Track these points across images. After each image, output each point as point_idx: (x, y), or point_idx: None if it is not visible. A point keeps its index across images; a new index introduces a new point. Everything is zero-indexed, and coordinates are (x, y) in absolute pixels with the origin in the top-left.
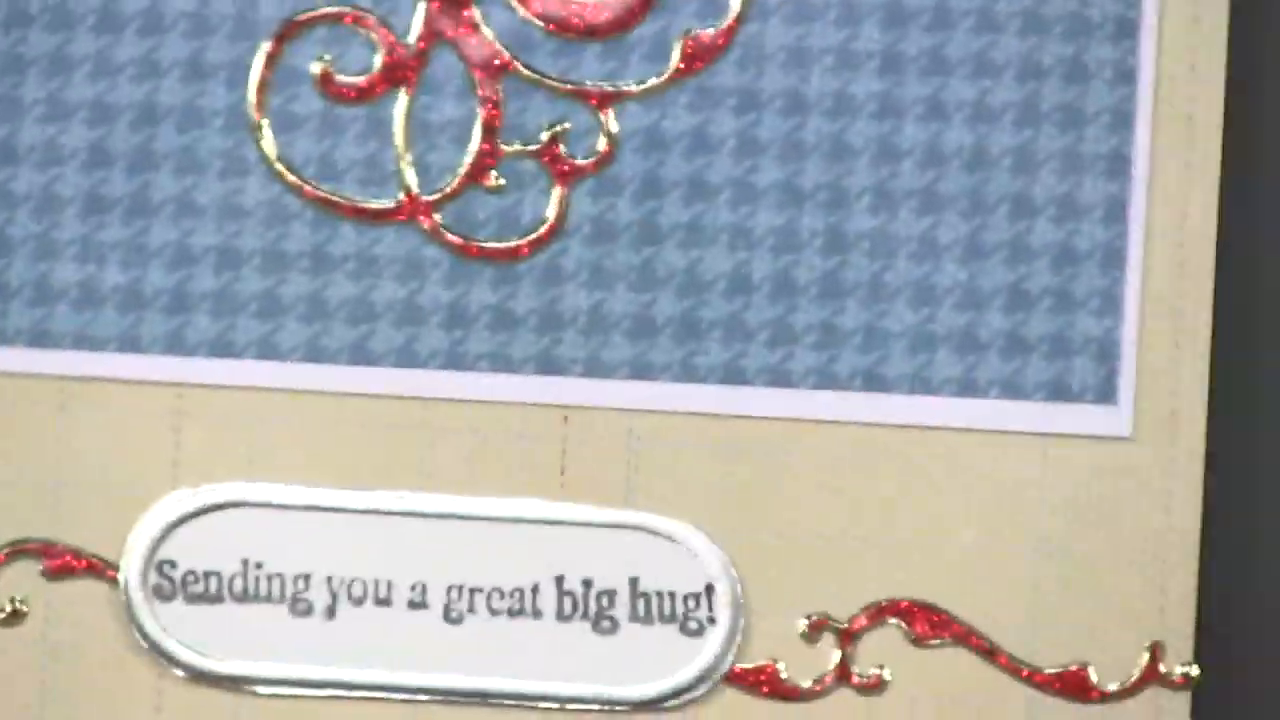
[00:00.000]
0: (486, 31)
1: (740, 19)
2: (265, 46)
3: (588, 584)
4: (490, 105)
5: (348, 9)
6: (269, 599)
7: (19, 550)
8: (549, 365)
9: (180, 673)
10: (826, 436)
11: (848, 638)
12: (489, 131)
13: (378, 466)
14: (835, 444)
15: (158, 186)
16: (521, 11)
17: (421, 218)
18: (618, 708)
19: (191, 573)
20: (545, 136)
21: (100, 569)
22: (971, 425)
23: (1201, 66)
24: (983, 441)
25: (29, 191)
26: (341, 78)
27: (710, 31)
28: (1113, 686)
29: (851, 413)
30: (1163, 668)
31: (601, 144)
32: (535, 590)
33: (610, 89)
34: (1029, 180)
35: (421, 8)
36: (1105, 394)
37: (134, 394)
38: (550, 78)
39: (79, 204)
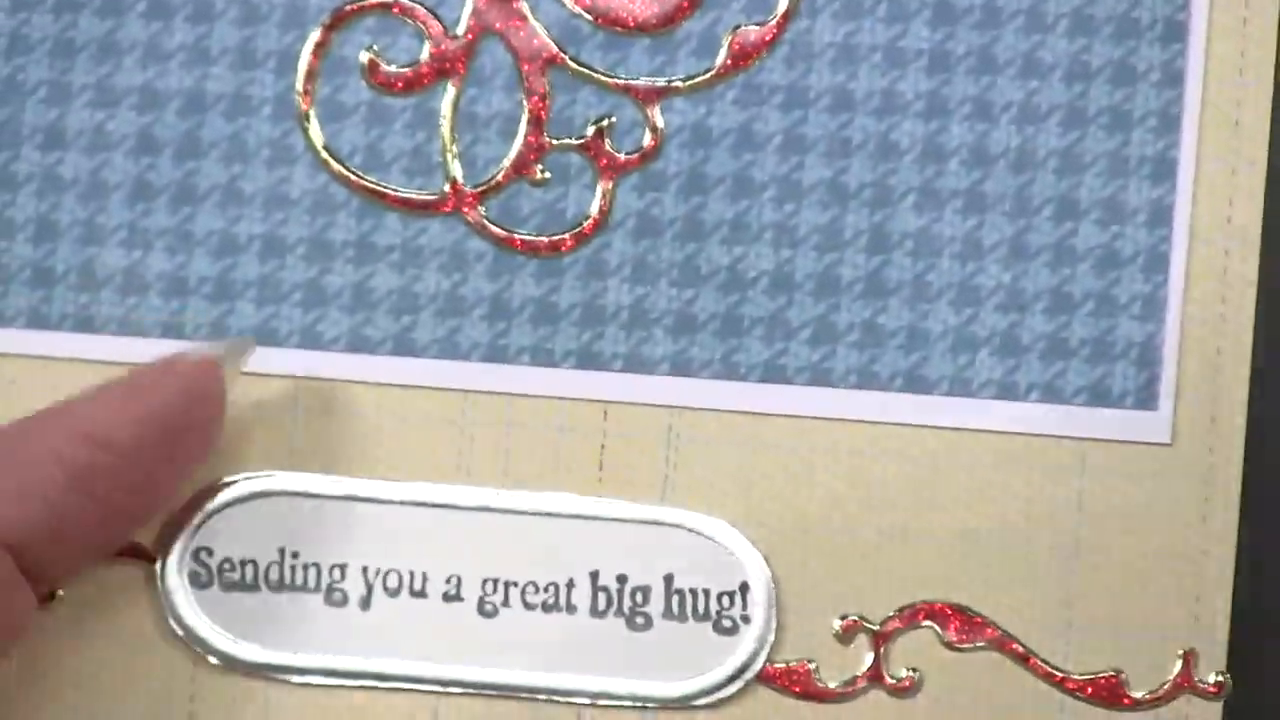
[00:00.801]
0: (535, 24)
1: (788, 16)
2: (314, 35)
3: (622, 580)
4: (537, 98)
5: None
6: (304, 588)
7: None
8: (590, 360)
9: (214, 660)
10: (866, 436)
11: (881, 639)
12: (535, 124)
13: (416, 458)
14: (874, 444)
15: (204, 174)
16: (571, 5)
17: (466, 210)
18: (649, 704)
19: (228, 560)
20: (591, 130)
21: (137, 554)
22: (1011, 428)
23: (1249, 70)
24: (1022, 444)
25: (76, 176)
26: (389, 68)
27: (758, 28)
28: (1145, 694)
29: (892, 413)
30: (1195, 675)
31: (647, 139)
32: (570, 585)
33: (658, 84)
34: (1074, 183)
35: None
36: (1145, 399)
37: None
38: (598, 72)
39: (126, 190)
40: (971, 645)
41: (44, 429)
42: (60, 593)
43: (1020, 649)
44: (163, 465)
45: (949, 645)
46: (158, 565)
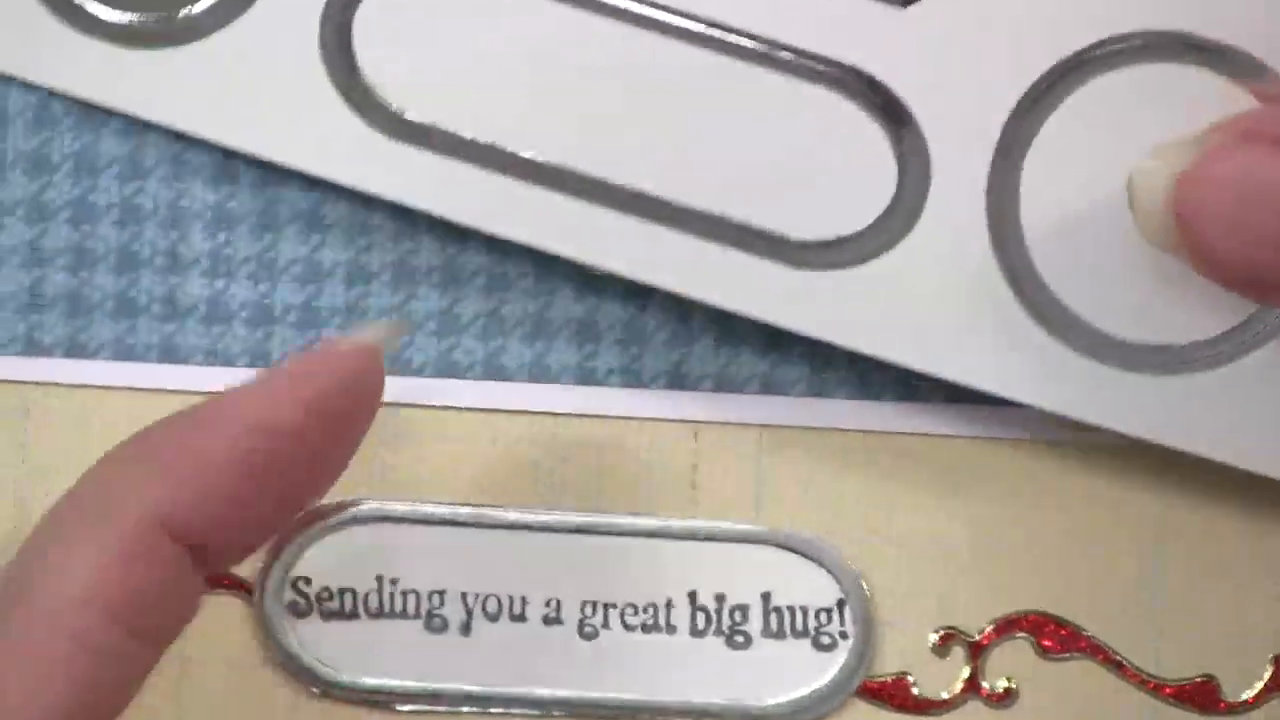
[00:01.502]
0: None
1: None
2: None
3: (720, 599)
4: None
5: None
6: (404, 615)
7: None
8: (678, 380)
9: (315, 689)
10: (954, 450)
11: (977, 650)
12: None
13: (509, 481)
14: (962, 457)
15: (286, 201)
16: None
17: None
18: None
19: (326, 589)
20: None
21: (235, 585)
22: (1097, 437)
23: None
24: (1106, 452)
25: (155, 207)
26: None
27: None
28: (1239, 698)
29: (980, 428)
30: None
31: None
32: (669, 605)
33: None
34: None
35: None
36: None
37: None
38: None
39: (208, 218)
40: (1066, 654)
41: (216, 419)
42: None
43: (1113, 657)
44: (328, 450)
45: (1044, 655)
46: (255, 595)
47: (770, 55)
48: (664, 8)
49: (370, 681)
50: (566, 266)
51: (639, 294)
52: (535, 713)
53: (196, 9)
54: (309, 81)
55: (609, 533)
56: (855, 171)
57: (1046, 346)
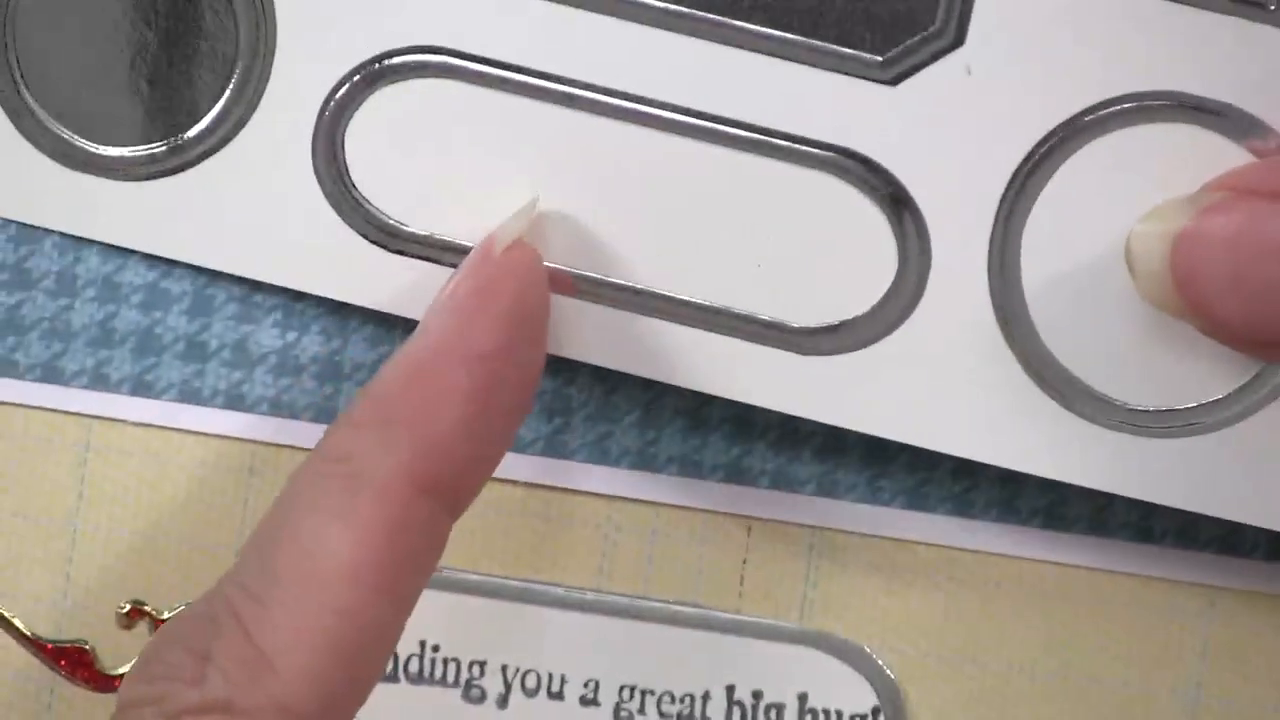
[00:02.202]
0: None
1: None
2: None
3: (758, 696)
4: None
5: None
6: (443, 683)
7: None
8: (737, 474)
9: None
10: (1006, 570)
11: None
12: None
13: (559, 559)
14: (1013, 578)
15: None
16: None
17: None
18: None
19: None
20: None
21: None
22: (1145, 571)
23: None
24: (1154, 588)
25: None
26: None
27: None
28: None
29: (1031, 549)
30: None
31: None
32: (706, 697)
33: None
34: None
35: None
36: (1275, 551)
37: None
38: None
39: None
40: None
41: (434, 363)
42: None
43: None
44: (531, 357)
45: None
46: None
47: (763, 143)
48: (654, 103)
49: None
50: None
51: None
52: None
53: (188, 136)
54: (303, 199)
55: (654, 619)
56: (856, 254)
57: (1056, 416)
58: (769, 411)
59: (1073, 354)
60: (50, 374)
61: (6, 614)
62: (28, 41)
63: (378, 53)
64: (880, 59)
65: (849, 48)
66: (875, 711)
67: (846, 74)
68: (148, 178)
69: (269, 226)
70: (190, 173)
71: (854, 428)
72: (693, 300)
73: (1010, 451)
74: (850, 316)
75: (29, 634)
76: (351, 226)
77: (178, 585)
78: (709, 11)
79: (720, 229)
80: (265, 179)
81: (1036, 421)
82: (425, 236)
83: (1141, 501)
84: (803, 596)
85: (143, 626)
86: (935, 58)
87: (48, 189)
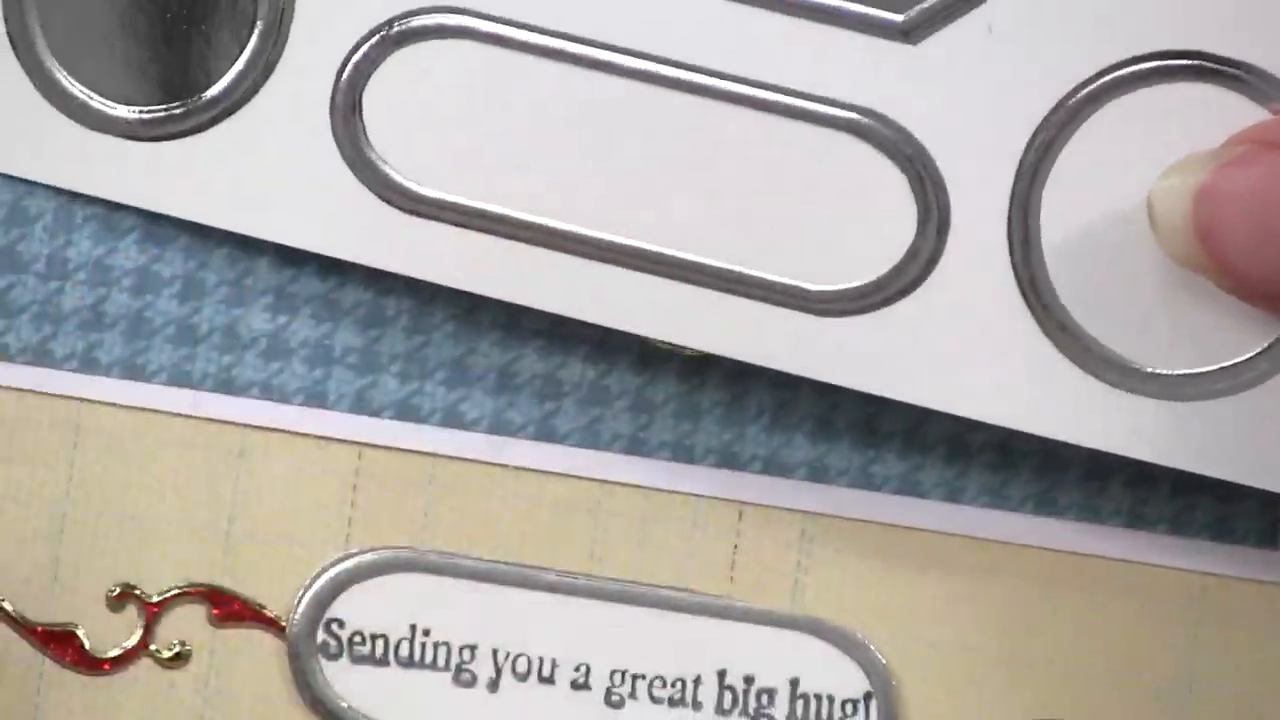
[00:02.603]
0: None
1: None
2: None
3: (749, 681)
4: None
5: None
6: (434, 666)
7: (188, 593)
8: (728, 459)
9: None
10: (997, 555)
11: None
12: None
13: (552, 543)
14: (1004, 563)
15: None
16: None
17: None
18: None
19: (359, 633)
20: None
21: (268, 621)
22: (1137, 557)
23: None
24: (1144, 575)
25: (224, 238)
26: None
27: None
28: None
29: (1022, 536)
30: None
31: None
32: (697, 682)
33: None
34: None
35: None
36: (1268, 537)
37: (316, 449)
38: None
39: (272, 253)
40: None
41: None
42: (189, 651)
43: None
44: None
45: None
46: (288, 633)
47: (782, 103)
48: (672, 63)
49: None
50: (628, 338)
51: (696, 370)
52: None
53: (205, 98)
54: (321, 162)
55: (645, 604)
56: (874, 215)
57: (1075, 379)
58: (761, 396)
59: (1092, 316)
60: (40, 357)
61: None
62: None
63: (396, 13)
64: (900, 18)
65: (869, 6)
66: (867, 696)
67: (866, 33)
68: (164, 138)
69: (285, 188)
70: (207, 134)
71: (868, 390)
72: (710, 263)
73: (1025, 414)
74: (868, 279)
75: (18, 617)
76: (368, 188)
77: (167, 568)
78: None
79: (738, 190)
80: (282, 141)
81: (1054, 384)
82: (442, 199)
83: (1135, 487)
84: (794, 582)
85: (131, 609)
86: (955, 16)
87: (62, 147)
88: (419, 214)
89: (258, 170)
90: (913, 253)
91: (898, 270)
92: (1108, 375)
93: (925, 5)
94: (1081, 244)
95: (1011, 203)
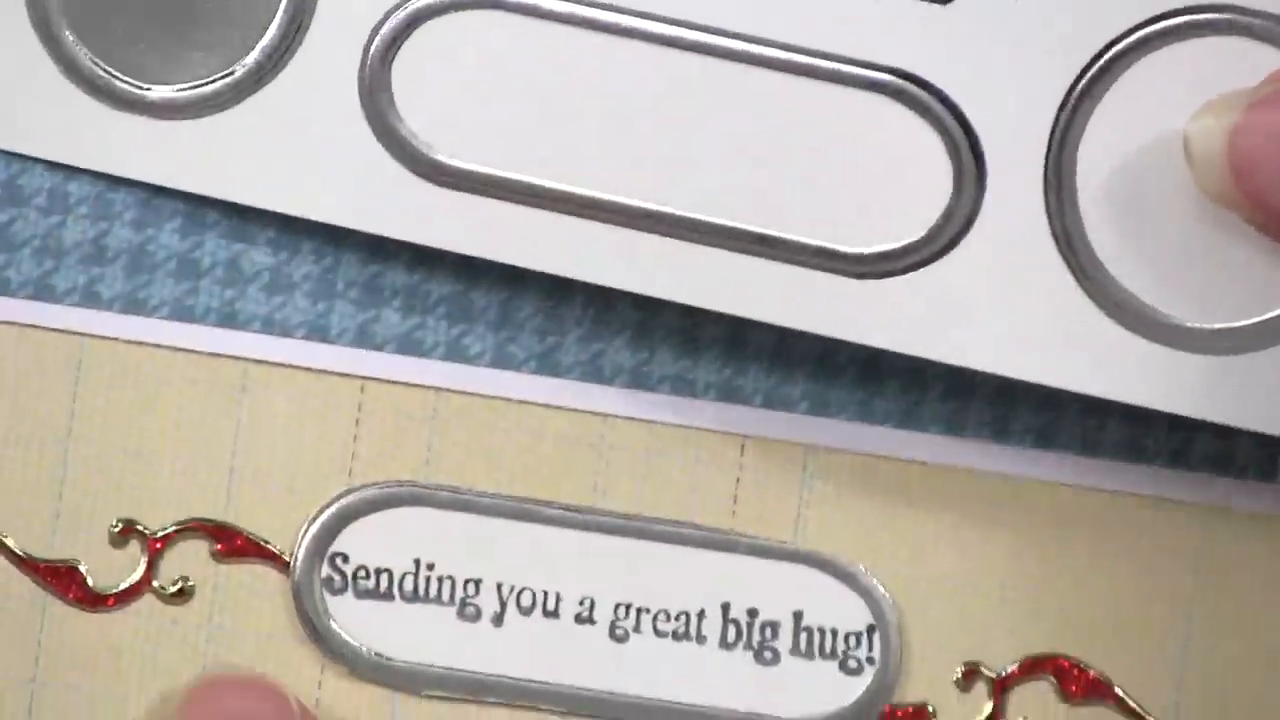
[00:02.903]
0: None
1: None
2: None
3: (753, 614)
4: None
5: None
6: (438, 601)
7: (191, 529)
8: (730, 393)
9: (343, 667)
10: (999, 488)
11: (1000, 688)
12: None
13: (555, 477)
14: (1006, 496)
15: None
16: None
17: None
18: None
19: (363, 568)
20: None
21: (272, 556)
22: (1138, 490)
23: None
24: (1148, 506)
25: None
26: None
27: None
28: None
29: (1024, 468)
30: None
31: None
32: (701, 615)
33: None
34: None
35: None
36: (1268, 471)
37: (318, 383)
38: None
39: None
40: (1087, 700)
41: None
42: (191, 587)
43: (1137, 710)
44: None
45: (1065, 699)
46: (291, 568)
47: (815, 66)
48: (702, 28)
49: (399, 664)
50: None
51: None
52: (560, 709)
53: (231, 75)
54: (350, 135)
55: (649, 537)
56: (910, 176)
57: (1115, 336)
58: (762, 331)
59: (1131, 272)
60: (42, 291)
61: None
62: None
63: None
64: None
65: None
66: (870, 629)
67: None
68: (191, 117)
69: (315, 163)
70: (233, 110)
71: (909, 351)
72: (748, 228)
73: (1068, 372)
74: (906, 240)
75: (21, 553)
76: (400, 162)
77: (170, 503)
78: None
79: (773, 154)
80: (311, 116)
81: (1095, 341)
82: (474, 171)
83: (1135, 422)
84: (797, 515)
85: (134, 545)
86: None
87: (92, 131)
88: (452, 186)
89: (287, 147)
90: (949, 213)
91: (935, 231)
92: (1148, 331)
93: None
94: (1118, 200)
95: (1047, 161)
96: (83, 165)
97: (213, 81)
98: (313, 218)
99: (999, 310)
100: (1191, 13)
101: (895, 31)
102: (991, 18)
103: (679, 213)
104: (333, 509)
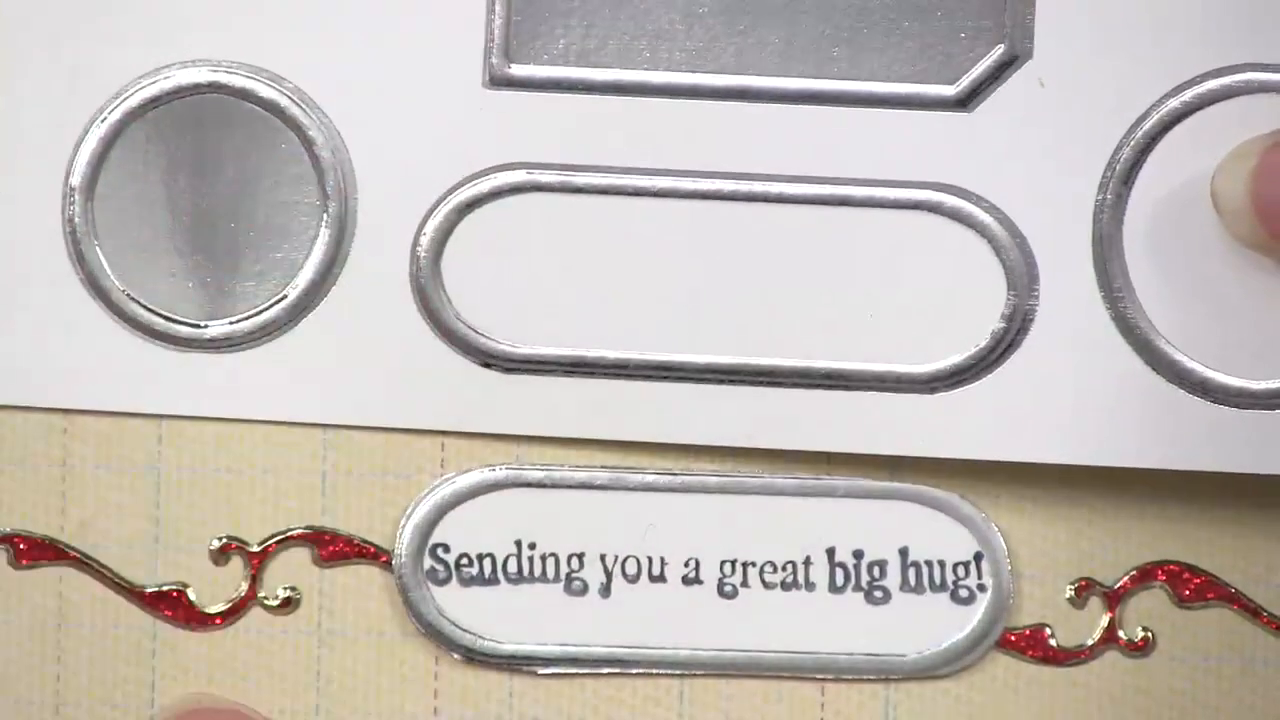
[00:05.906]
0: None
1: None
2: None
3: (859, 555)
4: None
5: None
6: (544, 579)
7: (290, 538)
8: None
9: (457, 655)
10: None
11: (1114, 600)
12: None
13: (637, 444)
14: None
15: None
16: None
17: None
18: (892, 676)
19: (465, 556)
20: None
21: (373, 555)
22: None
23: None
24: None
25: None
26: None
27: None
28: None
29: None
30: None
31: None
32: (808, 563)
33: None
34: None
35: None
36: None
37: None
38: None
39: None
40: (1202, 603)
41: None
42: (297, 596)
43: (1249, 604)
44: None
45: (1180, 603)
46: (394, 564)
47: (851, 195)
48: (737, 175)
49: (511, 646)
50: None
51: None
52: (676, 673)
53: (287, 300)
54: (410, 335)
55: (746, 492)
56: (963, 283)
57: (1188, 407)
58: None
59: (1191, 342)
60: None
61: (100, 563)
62: (109, 231)
63: (460, 179)
64: (952, 89)
65: (918, 84)
66: (978, 557)
67: (921, 109)
68: (251, 345)
69: (380, 368)
70: (292, 332)
71: (989, 458)
72: (815, 365)
73: (1149, 450)
74: (972, 349)
75: (124, 582)
76: (464, 354)
77: (266, 515)
78: (773, 75)
79: (827, 288)
80: (368, 322)
81: (1169, 414)
82: (537, 355)
83: None
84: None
85: (236, 560)
86: (1005, 77)
87: (152, 374)
88: (518, 371)
89: (349, 358)
90: (1009, 314)
91: (999, 334)
92: (1218, 397)
93: (974, 73)
94: (1169, 272)
95: (1094, 245)
96: (145, 411)
97: (269, 307)
98: (384, 425)
99: (1070, 400)
100: (1211, 77)
101: (925, 146)
102: (1016, 115)
103: (748, 361)
104: (429, 501)
